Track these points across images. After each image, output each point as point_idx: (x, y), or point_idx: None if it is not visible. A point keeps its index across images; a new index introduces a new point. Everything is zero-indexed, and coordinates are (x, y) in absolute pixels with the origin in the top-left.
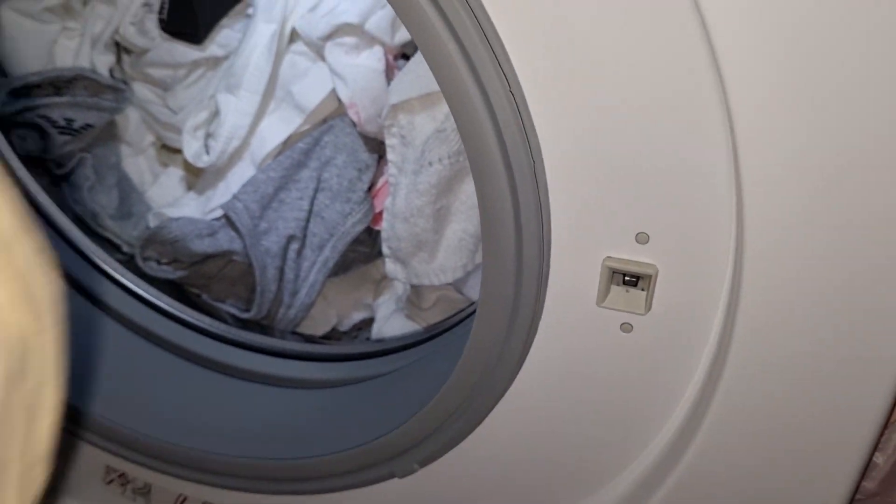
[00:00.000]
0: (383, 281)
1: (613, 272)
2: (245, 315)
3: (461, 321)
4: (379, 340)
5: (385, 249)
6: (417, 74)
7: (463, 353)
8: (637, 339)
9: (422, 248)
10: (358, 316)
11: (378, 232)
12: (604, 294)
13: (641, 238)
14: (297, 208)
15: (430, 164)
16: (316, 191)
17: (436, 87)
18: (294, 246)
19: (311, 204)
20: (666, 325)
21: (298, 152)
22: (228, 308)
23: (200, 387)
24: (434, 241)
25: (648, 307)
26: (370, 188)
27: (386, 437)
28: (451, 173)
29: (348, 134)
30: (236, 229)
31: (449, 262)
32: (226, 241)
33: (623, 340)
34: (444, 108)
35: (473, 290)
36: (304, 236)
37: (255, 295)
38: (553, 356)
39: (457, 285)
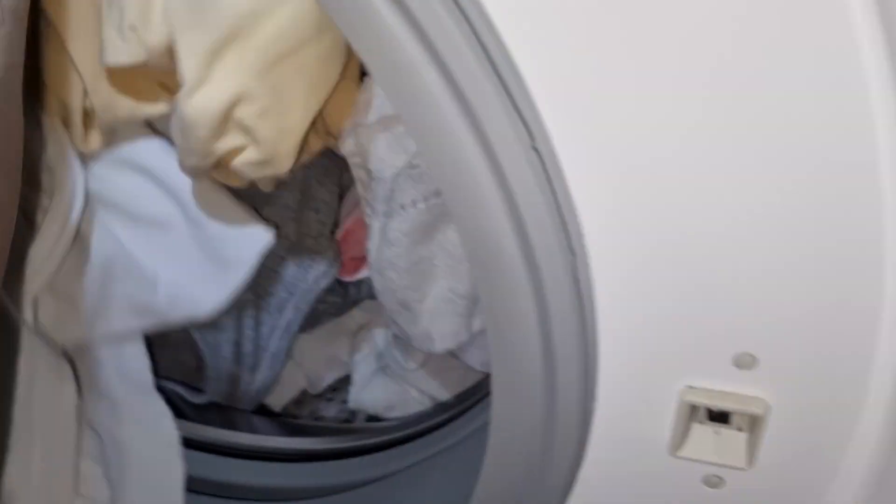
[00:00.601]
0: (360, 332)
1: (696, 407)
2: (198, 399)
3: (474, 404)
4: (362, 431)
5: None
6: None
7: None
8: (729, 498)
9: (405, 308)
10: (331, 375)
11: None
12: (681, 438)
13: (744, 361)
14: None
15: (403, 207)
16: None
17: None
18: (249, 313)
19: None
20: (774, 480)
21: None
22: (175, 388)
23: None
24: (415, 300)
25: (752, 458)
26: (334, 229)
27: None
28: (431, 218)
29: (299, 168)
30: None
31: (435, 329)
32: None
33: (708, 500)
34: None
35: (475, 358)
36: (259, 299)
37: (207, 379)
38: None
39: (453, 352)
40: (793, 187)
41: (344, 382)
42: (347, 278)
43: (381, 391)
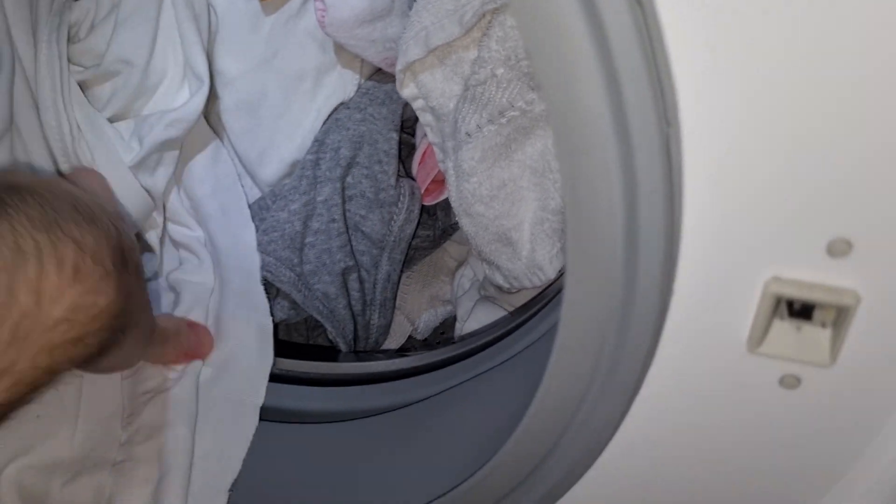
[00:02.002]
0: (460, 268)
1: (779, 300)
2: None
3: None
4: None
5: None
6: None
7: (527, 413)
8: (804, 400)
9: (503, 243)
10: (436, 318)
11: (440, 204)
12: (761, 334)
13: (837, 248)
14: (336, 233)
15: (469, 134)
16: (344, 204)
17: (456, 25)
18: (353, 276)
19: (345, 222)
20: (855, 379)
21: (309, 167)
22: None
23: None
24: (512, 229)
25: (835, 356)
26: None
27: None
28: (502, 139)
29: (359, 121)
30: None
31: (540, 256)
32: (276, 312)
33: (780, 401)
34: (469, 54)
35: None
36: (356, 262)
37: (335, 342)
38: (666, 417)
39: None
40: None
41: (450, 324)
42: (432, 201)
43: (485, 317)
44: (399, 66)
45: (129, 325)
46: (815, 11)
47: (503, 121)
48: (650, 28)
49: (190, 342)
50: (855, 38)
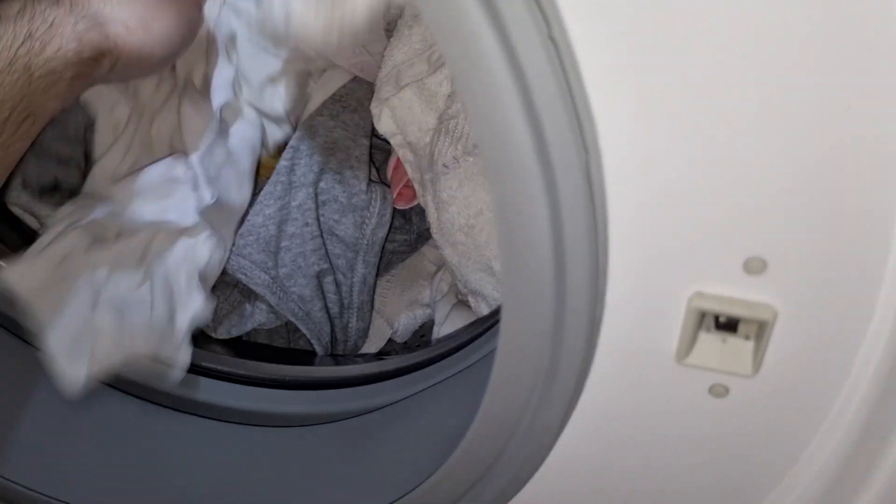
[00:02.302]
0: (438, 272)
1: (704, 314)
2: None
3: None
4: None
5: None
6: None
7: (474, 421)
8: (733, 408)
9: (487, 272)
10: (415, 321)
11: (415, 209)
12: (688, 346)
13: (753, 266)
14: (310, 236)
15: (446, 167)
16: (318, 209)
17: (424, 63)
18: (328, 279)
19: (319, 226)
20: (779, 389)
21: (283, 173)
22: None
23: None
24: (493, 259)
25: (758, 366)
26: (377, 167)
27: None
28: (479, 168)
29: (331, 128)
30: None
31: None
32: (256, 316)
33: (711, 409)
34: (442, 89)
35: None
36: (331, 265)
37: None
38: (605, 426)
39: None
40: (808, 88)
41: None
42: (405, 205)
43: (461, 320)
44: (374, 103)
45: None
46: (729, 39)
47: (477, 153)
48: (564, 63)
49: None
50: (768, 63)
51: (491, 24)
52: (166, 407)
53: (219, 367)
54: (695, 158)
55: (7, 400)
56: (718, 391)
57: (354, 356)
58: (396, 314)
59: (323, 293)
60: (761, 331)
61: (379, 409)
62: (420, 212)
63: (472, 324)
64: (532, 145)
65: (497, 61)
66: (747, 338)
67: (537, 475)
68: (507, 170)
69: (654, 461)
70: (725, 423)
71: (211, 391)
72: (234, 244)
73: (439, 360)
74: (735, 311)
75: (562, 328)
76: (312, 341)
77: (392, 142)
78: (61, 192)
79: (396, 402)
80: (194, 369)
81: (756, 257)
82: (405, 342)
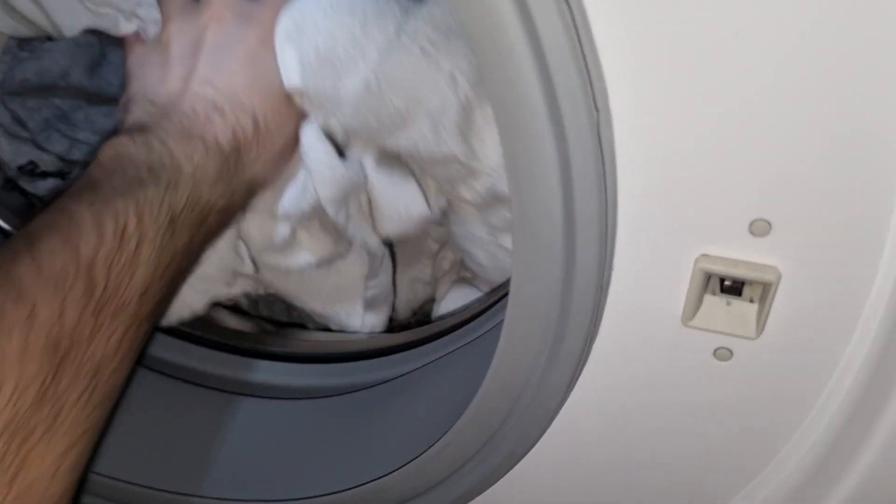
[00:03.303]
0: (441, 250)
1: (710, 276)
2: None
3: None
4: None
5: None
6: None
7: (483, 382)
8: (737, 370)
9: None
10: (416, 299)
11: None
12: (694, 308)
13: (759, 228)
14: None
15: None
16: None
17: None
18: None
19: None
20: (782, 351)
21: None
22: None
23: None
24: None
25: (761, 328)
26: None
27: (379, 482)
28: None
29: None
30: None
31: None
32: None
33: (716, 371)
34: None
35: None
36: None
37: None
38: (610, 390)
39: None
40: (814, 57)
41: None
42: None
43: (461, 298)
44: None
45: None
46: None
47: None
48: (578, 24)
49: None
50: (777, 29)
51: None
52: (175, 378)
53: (227, 342)
54: (703, 122)
55: None
56: (723, 354)
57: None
58: (398, 292)
59: None
60: (765, 293)
61: (387, 381)
62: None
63: (478, 299)
64: (544, 104)
65: (512, 23)
66: (751, 301)
67: (545, 437)
68: (520, 128)
69: (658, 424)
70: (730, 386)
71: (217, 363)
72: None
73: (449, 333)
74: (740, 273)
75: (570, 289)
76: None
77: None
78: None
79: (404, 374)
80: (199, 341)
81: (762, 219)
82: (406, 319)
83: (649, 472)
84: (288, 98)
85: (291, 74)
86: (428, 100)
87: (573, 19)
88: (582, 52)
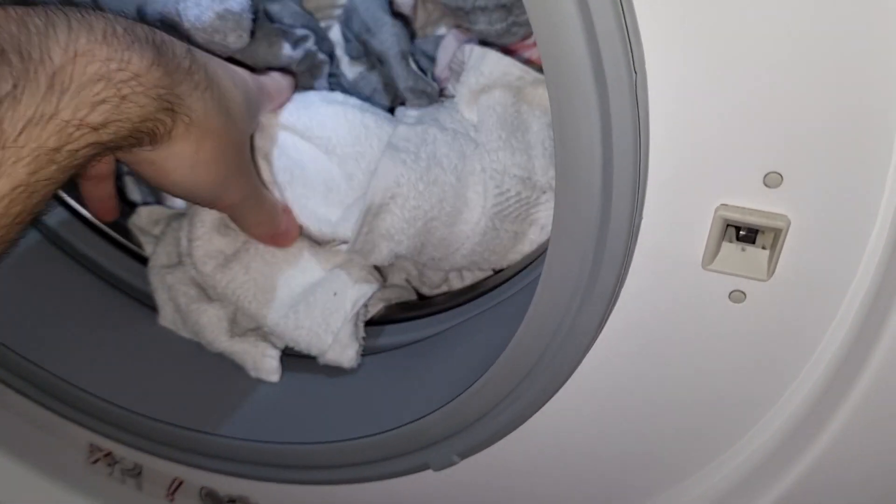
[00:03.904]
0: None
1: (728, 225)
2: None
3: (520, 271)
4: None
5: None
6: None
7: (521, 325)
8: (749, 311)
9: None
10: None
11: None
12: (713, 253)
13: (771, 180)
14: None
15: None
16: None
17: None
18: None
19: None
20: (790, 292)
21: None
22: None
23: (200, 357)
24: None
25: (772, 271)
26: None
27: (419, 422)
28: None
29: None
30: None
31: None
32: None
33: (731, 313)
34: None
35: None
36: None
37: None
38: (635, 329)
39: None
40: (818, 29)
41: None
42: None
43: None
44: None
45: (178, 110)
46: None
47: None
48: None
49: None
50: (786, 8)
51: None
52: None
53: None
54: (724, 86)
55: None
56: (737, 297)
57: None
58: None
59: None
60: (776, 239)
61: (408, 344)
62: None
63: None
64: (590, 64)
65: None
66: (764, 248)
67: (574, 376)
68: (567, 87)
69: (678, 363)
70: (744, 327)
71: None
72: None
73: (486, 293)
74: (754, 220)
75: (605, 233)
76: None
77: None
78: None
79: (444, 331)
80: None
81: (774, 172)
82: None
83: (668, 411)
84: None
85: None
86: None
87: None
88: (625, 19)
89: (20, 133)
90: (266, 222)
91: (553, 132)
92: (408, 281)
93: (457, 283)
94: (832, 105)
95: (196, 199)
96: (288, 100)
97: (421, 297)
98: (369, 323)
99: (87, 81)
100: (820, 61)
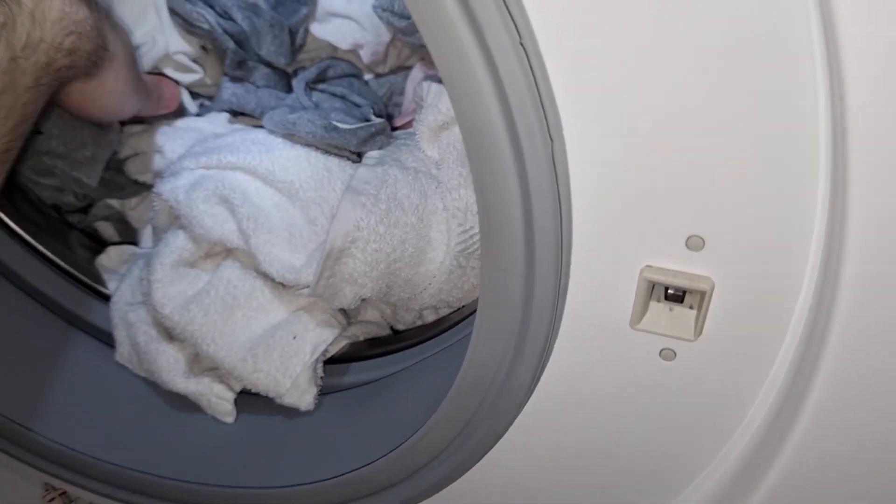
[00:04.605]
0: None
1: (654, 285)
2: None
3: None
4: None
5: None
6: None
7: (455, 379)
8: (680, 368)
9: None
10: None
11: None
12: (640, 313)
13: (694, 243)
14: None
15: None
16: None
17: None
18: None
19: None
20: (719, 352)
21: None
22: None
23: (156, 395)
24: None
25: (699, 331)
26: None
27: (367, 468)
28: None
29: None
30: None
31: None
32: None
33: (662, 370)
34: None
35: None
36: None
37: None
38: (570, 386)
39: None
40: (732, 97)
41: None
42: None
43: None
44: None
45: (107, 48)
46: (663, 51)
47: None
48: (533, 65)
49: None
50: (698, 74)
51: (471, 31)
52: None
53: None
54: (644, 149)
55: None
56: (667, 354)
57: None
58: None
59: None
60: (701, 300)
61: (366, 384)
62: None
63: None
64: (506, 134)
65: (477, 63)
66: (691, 307)
67: (512, 429)
68: (485, 155)
69: (611, 420)
70: (675, 384)
71: None
72: None
73: (425, 342)
74: (678, 282)
75: (532, 294)
76: None
77: None
78: None
79: (382, 378)
80: None
81: (696, 235)
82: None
83: (606, 462)
84: None
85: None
86: None
87: (529, 62)
88: (538, 88)
89: (23, 48)
90: (155, 105)
91: (476, 199)
92: (382, 318)
93: (431, 317)
94: (749, 177)
95: (113, 116)
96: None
97: (394, 331)
98: (333, 360)
99: (56, 19)
100: (736, 134)
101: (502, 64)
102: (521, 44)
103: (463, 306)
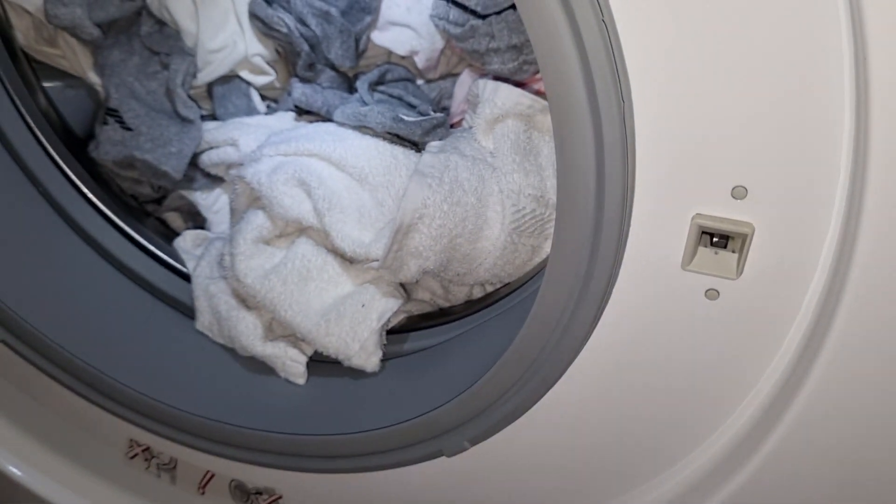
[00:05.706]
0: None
1: (703, 232)
2: None
3: (528, 280)
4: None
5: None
6: None
7: (526, 321)
8: (723, 307)
9: None
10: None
11: None
12: (690, 256)
13: (738, 192)
14: None
15: None
16: None
17: None
18: None
19: None
20: (757, 291)
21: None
22: None
23: (232, 359)
24: None
25: (740, 271)
26: None
27: (434, 412)
28: None
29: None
30: None
31: None
32: None
33: (707, 308)
34: None
35: None
36: None
37: None
38: (626, 325)
39: None
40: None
41: None
42: None
43: None
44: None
45: None
46: (724, 15)
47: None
48: (611, 39)
49: None
50: (750, 44)
51: (562, 9)
52: None
53: None
54: (697, 114)
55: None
56: (712, 294)
57: None
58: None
59: None
60: (743, 243)
61: (425, 349)
62: None
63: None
64: (586, 97)
65: (566, 36)
66: (733, 251)
67: (571, 367)
68: (567, 116)
69: (662, 354)
70: (717, 323)
71: None
72: None
73: (496, 303)
74: (724, 227)
75: (598, 240)
76: None
77: None
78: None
79: (439, 343)
80: None
81: (740, 185)
82: None
83: (652, 401)
84: None
85: None
86: None
87: (609, 37)
88: (614, 58)
89: None
90: None
91: (555, 155)
92: (433, 298)
93: (478, 294)
94: (786, 137)
95: None
96: None
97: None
98: (391, 332)
99: None
100: (778, 99)
101: (588, 37)
102: (603, 20)
103: (507, 284)
